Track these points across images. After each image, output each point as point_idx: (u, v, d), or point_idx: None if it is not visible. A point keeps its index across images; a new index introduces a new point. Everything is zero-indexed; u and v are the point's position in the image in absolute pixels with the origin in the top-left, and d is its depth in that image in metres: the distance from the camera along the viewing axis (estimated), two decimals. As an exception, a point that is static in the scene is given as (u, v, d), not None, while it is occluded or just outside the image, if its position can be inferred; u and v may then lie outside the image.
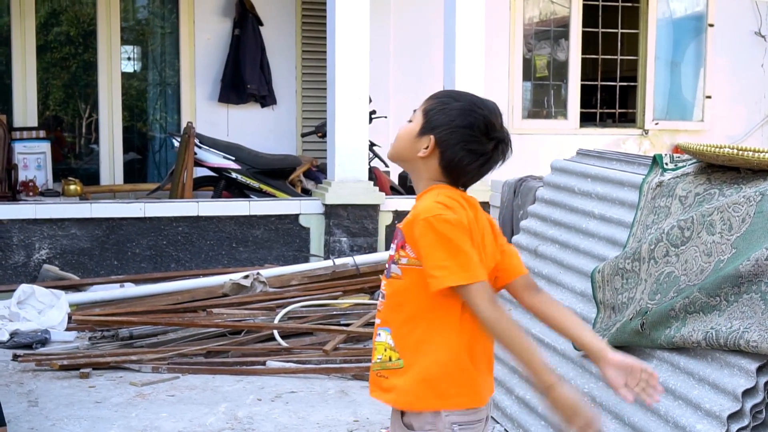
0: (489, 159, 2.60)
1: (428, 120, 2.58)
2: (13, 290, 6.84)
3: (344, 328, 6.32)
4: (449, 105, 2.58)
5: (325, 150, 9.30)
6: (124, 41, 10.51)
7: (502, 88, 10.88)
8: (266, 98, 10.53)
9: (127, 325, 6.27)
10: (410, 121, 2.64)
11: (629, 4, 11.65)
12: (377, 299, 7.11)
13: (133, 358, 5.76)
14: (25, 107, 9.90)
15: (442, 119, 2.57)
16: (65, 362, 5.67)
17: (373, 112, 8.80)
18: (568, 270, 4.81)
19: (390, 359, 2.55)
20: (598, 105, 11.85)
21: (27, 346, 6.19)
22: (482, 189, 8.19)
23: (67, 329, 6.48)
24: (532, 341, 2.59)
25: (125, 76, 10.54)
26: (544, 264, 5.06)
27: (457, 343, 2.52)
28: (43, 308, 6.67)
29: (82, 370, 5.59)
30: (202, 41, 10.42)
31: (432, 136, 2.56)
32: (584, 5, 11.42)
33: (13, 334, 6.28)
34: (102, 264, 7.66)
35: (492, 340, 2.56)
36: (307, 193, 9.26)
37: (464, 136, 2.56)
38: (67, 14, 10.71)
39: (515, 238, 5.60)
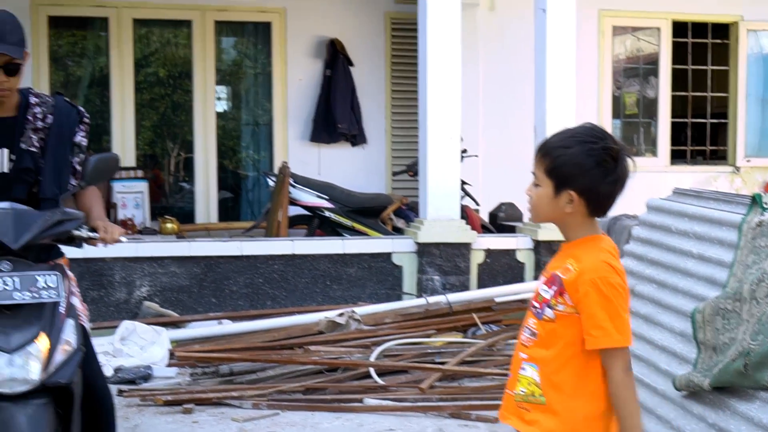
0: (623, 177, 2.67)
1: (557, 177, 2.64)
2: (116, 327, 7.03)
3: (440, 366, 6.37)
4: (566, 154, 2.63)
5: (415, 188, 9.40)
6: (218, 82, 10.77)
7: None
8: (356, 137, 10.69)
9: (227, 361, 6.40)
10: (536, 184, 2.70)
11: (719, 41, 11.59)
12: (469, 336, 7.17)
13: (234, 394, 5.88)
14: (123, 147, 10.18)
15: (571, 171, 2.63)
16: (169, 398, 5.81)
17: (464, 151, 8.88)
18: (667, 309, 4.80)
19: (533, 394, 2.69)
20: (689, 142, 11.77)
21: (131, 381, 6.36)
22: (574, 227, 8.21)
23: (169, 365, 6.64)
24: (640, 415, 2.70)
25: (219, 115, 10.78)
26: (642, 304, 5.06)
27: (600, 393, 2.63)
28: (145, 344, 6.85)
29: (185, 406, 5.72)
30: (295, 82, 10.63)
31: (571, 191, 2.63)
32: (674, 42, 11.39)
33: (117, 370, 6.46)
34: (200, 301, 7.83)
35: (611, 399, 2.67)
36: (397, 231, 9.36)
37: (599, 174, 2.63)
38: (163, 56, 11.02)
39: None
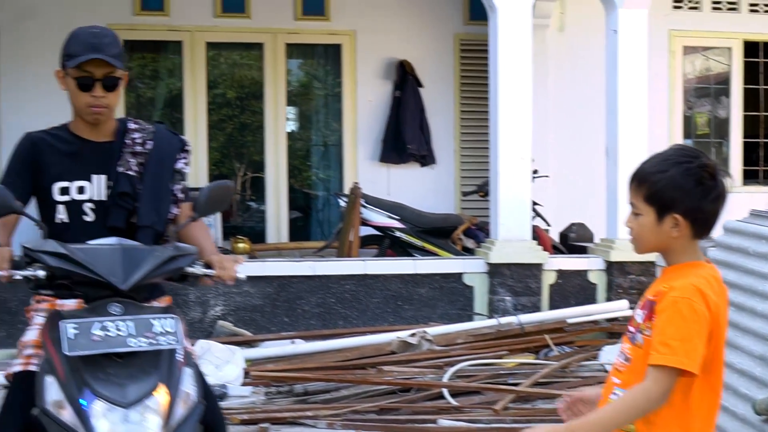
0: (724, 193, 2.63)
1: (659, 203, 2.60)
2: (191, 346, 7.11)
3: (513, 387, 6.37)
4: (665, 178, 2.59)
5: (483, 208, 9.42)
6: (289, 103, 10.89)
7: (662, 146, 10.76)
8: (426, 157, 10.73)
9: (301, 381, 6.46)
10: (636, 214, 2.65)
11: (792, 60, 11.46)
12: (541, 358, 7.15)
13: (309, 414, 5.93)
14: (196, 167, 10.32)
15: (672, 194, 2.58)
16: (245, 417, 5.87)
17: (535, 172, 8.88)
18: (745, 333, 4.76)
19: None
20: (761, 162, 11.64)
21: (206, 399, 6.43)
22: (647, 248, 8.16)
23: (244, 384, 6.71)
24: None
25: (289, 136, 10.89)
26: (719, 326, 5.02)
27: (688, 421, 2.58)
28: (219, 363, 6.93)
29: (260, 425, 5.79)
30: (364, 103, 10.71)
31: (675, 215, 2.59)
32: (745, 62, 11.29)
33: (193, 388, 6.54)
34: (273, 320, 7.91)
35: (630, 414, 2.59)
36: (467, 251, 9.37)
37: (701, 193, 2.59)
38: (234, 77, 11.17)
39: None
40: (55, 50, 10.64)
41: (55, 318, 3.11)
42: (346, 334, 7.76)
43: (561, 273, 8.38)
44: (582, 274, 8.43)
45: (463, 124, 10.87)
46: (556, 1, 10.44)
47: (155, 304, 3.44)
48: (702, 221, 2.61)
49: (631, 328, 2.67)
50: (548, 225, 9.51)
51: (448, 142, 10.88)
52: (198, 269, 3.37)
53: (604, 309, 8.16)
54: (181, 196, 3.68)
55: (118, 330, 3.02)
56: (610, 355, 7.22)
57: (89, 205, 3.51)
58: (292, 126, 11.14)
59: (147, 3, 10.18)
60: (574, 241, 9.59)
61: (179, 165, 3.69)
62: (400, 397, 6.35)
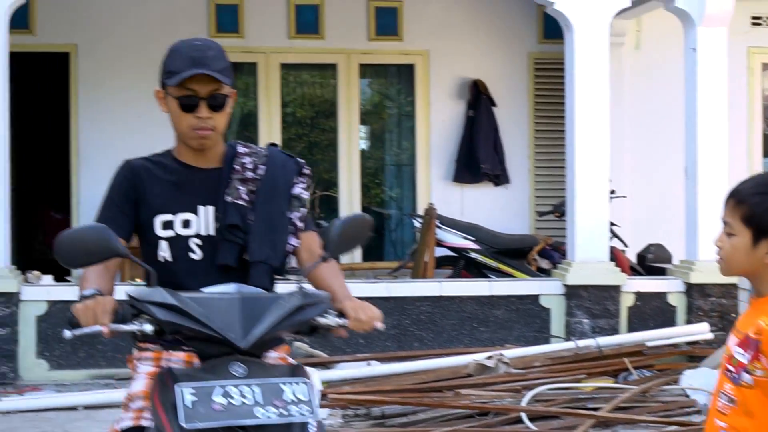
0: None
1: (758, 225, 2.51)
2: (268, 367, 7.11)
3: (593, 412, 6.27)
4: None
5: (558, 228, 9.32)
6: (362, 122, 10.90)
7: (742, 165, 10.62)
8: (499, 177, 10.66)
9: (378, 404, 6.42)
10: (730, 234, 2.57)
11: None
12: (620, 382, 7.04)
13: (387, 437, 5.89)
14: (270, 188, 10.35)
15: (762, 210, 2.51)
16: (322, 439, 5.84)
17: (612, 192, 8.77)
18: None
19: None
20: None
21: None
22: (729, 270, 8.00)
23: (321, 406, 6.69)
24: None
25: (362, 155, 10.90)
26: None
27: None
28: (296, 385, 6.91)
29: (338, 448, 5.76)
30: (437, 122, 10.68)
31: None
32: (827, 78, 11.08)
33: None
34: (349, 342, 7.88)
35: None
36: (542, 271, 9.28)
37: None
38: (307, 97, 11.22)
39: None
40: (130, 70, 10.82)
41: (166, 378, 2.68)
42: (422, 356, 7.71)
43: (639, 295, 8.25)
44: (661, 296, 8.30)
45: (537, 143, 10.78)
46: (632, 19, 10.32)
47: (272, 354, 2.99)
48: None
49: (730, 367, 2.54)
50: (625, 246, 9.38)
51: (522, 161, 10.80)
52: (331, 319, 2.84)
53: (684, 332, 8.01)
54: (300, 225, 3.19)
55: (243, 397, 2.58)
56: (691, 379, 7.09)
57: (195, 240, 3.09)
58: (365, 146, 11.15)
59: (222, 25, 10.27)
60: (651, 262, 9.45)
61: (297, 190, 3.21)
62: (478, 421, 6.28)
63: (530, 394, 6.60)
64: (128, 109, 10.03)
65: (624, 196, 9.59)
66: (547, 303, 8.14)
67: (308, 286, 2.88)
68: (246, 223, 3.10)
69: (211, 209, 3.11)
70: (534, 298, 8.16)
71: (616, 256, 8.76)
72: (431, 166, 10.72)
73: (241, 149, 3.21)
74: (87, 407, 6.78)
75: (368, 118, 11.14)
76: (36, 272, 7.90)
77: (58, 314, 7.58)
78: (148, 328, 2.71)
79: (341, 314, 2.88)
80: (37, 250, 12.16)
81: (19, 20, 9.06)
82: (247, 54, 10.37)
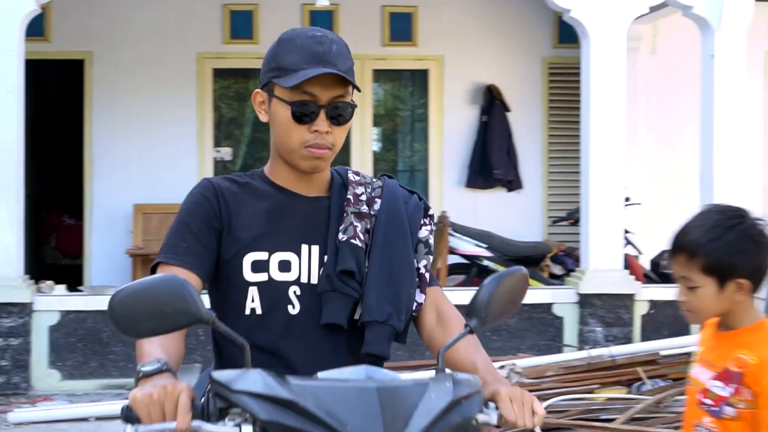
0: None
1: (720, 271, 2.50)
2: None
3: (606, 424, 6.23)
4: (722, 244, 2.49)
5: (571, 233, 9.27)
6: (375, 124, 10.87)
7: (758, 169, 10.56)
8: (513, 183, 10.63)
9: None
10: (691, 287, 2.53)
11: None
12: (634, 392, 6.99)
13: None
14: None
15: (734, 259, 2.49)
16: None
17: (627, 199, 8.72)
18: None
19: None
20: None
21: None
22: (744, 279, 7.96)
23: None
24: None
25: (375, 157, 10.87)
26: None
27: None
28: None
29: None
30: (451, 127, 10.65)
31: (739, 280, 2.51)
32: None
33: None
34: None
35: None
36: (554, 277, 9.23)
37: (760, 250, 2.52)
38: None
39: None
40: (145, 76, 10.86)
41: None
42: (433, 366, 7.65)
43: (653, 303, 8.21)
44: (675, 304, 8.20)
45: (551, 149, 10.74)
46: (648, 24, 10.26)
47: None
48: (762, 278, 2.53)
49: (707, 400, 2.54)
50: (640, 253, 9.33)
51: (536, 167, 10.76)
52: (491, 415, 2.10)
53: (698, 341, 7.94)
54: (425, 274, 2.49)
55: None
56: (706, 389, 7.03)
57: (295, 289, 2.36)
58: (378, 151, 11.12)
59: (236, 31, 10.26)
60: (666, 269, 9.38)
61: (423, 233, 2.52)
62: (491, 432, 6.24)
63: (543, 405, 6.55)
64: (142, 116, 10.04)
65: (639, 203, 9.54)
66: (560, 311, 8.10)
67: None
68: (362, 271, 2.39)
69: (316, 250, 2.40)
70: (547, 307, 8.12)
71: (630, 263, 8.70)
72: (444, 171, 10.69)
73: (352, 176, 2.55)
74: (99, 418, 6.78)
75: (381, 121, 11.10)
76: (49, 282, 7.91)
77: (71, 324, 7.60)
78: (247, 430, 1.87)
79: (490, 399, 2.16)
80: (50, 255, 12.21)
81: (35, 28, 9.06)
82: (262, 60, 10.34)
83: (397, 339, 2.42)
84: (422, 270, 2.47)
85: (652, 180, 10.42)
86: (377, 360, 2.35)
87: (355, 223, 2.42)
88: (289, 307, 2.36)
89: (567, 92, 10.27)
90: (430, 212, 2.58)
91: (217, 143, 10.37)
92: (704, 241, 2.51)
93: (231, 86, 10.65)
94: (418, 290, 2.46)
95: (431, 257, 2.51)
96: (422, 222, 2.53)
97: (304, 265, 2.38)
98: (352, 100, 2.37)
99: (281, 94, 2.35)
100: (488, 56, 10.61)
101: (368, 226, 2.45)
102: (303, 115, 2.33)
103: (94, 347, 7.59)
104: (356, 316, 2.37)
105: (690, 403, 2.63)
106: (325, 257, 2.39)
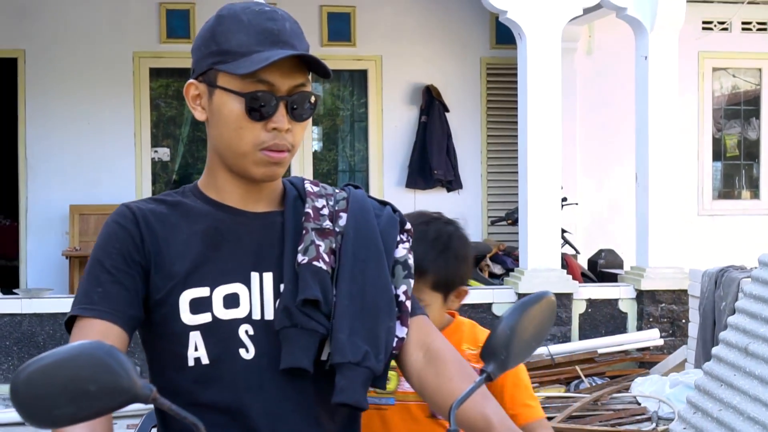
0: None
1: (448, 284, 2.50)
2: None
3: (545, 422, 6.28)
4: (447, 255, 2.50)
5: (510, 233, 9.32)
6: (315, 123, 10.85)
7: (692, 168, 10.72)
8: (452, 183, 10.67)
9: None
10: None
11: (824, 81, 11.34)
12: (572, 391, 7.06)
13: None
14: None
15: (459, 271, 2.53)
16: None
17: (564, 199, 8.80)
18: (784, 373, 4.66)
19: None
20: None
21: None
22: (679, 277, 8.08)
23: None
24: None
25: (315, 156, 10.85)
26: (756, 364, 4.90)
27: None
28: None
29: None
30: (390, 128, 10.67)
31: (461, 288, 2.53)
32: (775, 82, 11.19)
33: None
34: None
35: None
36: (493, 276, 9.28)
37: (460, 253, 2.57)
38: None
39: (723, 334, 5.44)
40: (79, 75, 10.76)
41: None
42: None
43: (591, 302, 8.29)
44: (612, 303, 8.34)
45: (490, 149, 10.81)
46: (584, 25, 10.36)
47: None
48: (466, 283, 2.60)
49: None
50: (577, 252, 9.42)
51: (475, 166, 10.81)
52: None
53: (635, 339, 8.06)
54: (407, 303, 1.98)
55: None
56: (642, 386, 7.13)
57: (247, 328, 1.87)
58: (318, 151, 11.10)
59: (174, 31, 10.16)
60: (603, 267, 9.50)
61: (400, 252, 2.02)
62: None
63: (482, 404, 6.59)
64: (78, 116, 9.92)
65: (576, 203, 9.64)
66: (500, 311, 8.13)
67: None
68: (329, 301, 1.89)
69: (269, 277, 1.90)
70: (487, 307, 8.15)
71: (567, 263, 8.78)
72: (384, 171, 10.71)
73: (310, 187, 2.04)
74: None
75: (321, 120, 11.08)
76: (-19, 284, 7.79)
77: (6, 327, 7.48)
78: None
79: None
80: (-15, 257, 12.02)
81: (-35, 26, 8.95)
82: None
83: (374, 383, 1.90)
84: (402, 297, 1.97)
85: (589, 180, 10.52)
86: (352, 411, 1.92)
87: (318, 242, 1.92)
88: (242, 351, 1.85)
89: (505, 92, 10.33)
90: (407, 226, 2.08)
91: (155, 143, 10.28)
92: (431, 259, 2.44)
93: (169, 85, 10.55)
94: (398, 322, 1.95)
95: (411, 281, 2.00)
96: (398, 238, 2.04)
97: (256, 297, 1.88)
98: (313, 90, 1.91)
99: (229, 83, 1.85)
100: (427, 57, 10.64)
101: (333, 245, 1.95)
102: (258, 109, 1.84)
103: (30, 351, 7.48)
104: (323, 357, 1.88)
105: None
106: (282, 286, 1.88)
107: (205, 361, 1.84)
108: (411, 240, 2.07)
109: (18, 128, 9.99)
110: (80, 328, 1.81)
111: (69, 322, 1.85)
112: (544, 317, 1.79)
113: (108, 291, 1.82)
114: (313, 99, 1.91)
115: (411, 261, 2.02)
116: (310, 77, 1.91)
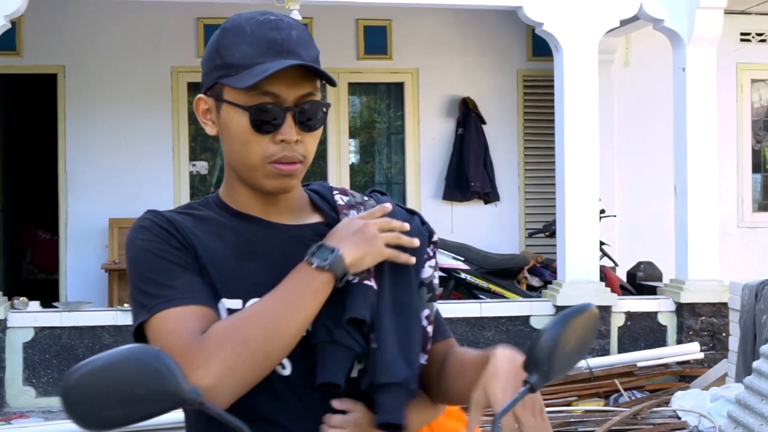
0: None
1: None
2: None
3: (584, 437, 6.24)
4: None
5: (548, 245, 9.28)
6: (352, 135, 10.86)
7: (731, 180, 10.63)
8: (489, 195, 10.64)
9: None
10: None
11: None
12: (611, 404, 7.01)
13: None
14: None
15: None
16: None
17: (602, 211, 8.76)
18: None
19: None
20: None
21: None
22: (719, 290, 8.01)
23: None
24: None
25: (352, 169, 10.86)
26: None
27: None
28: None
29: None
30: (427, 140, 10.66)
31: None
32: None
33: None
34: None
35: None
36: (531, 289, 9.25)
37: None
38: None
39: (763, 348, 5.37)
40: (117, 90, 10.82)
41: None
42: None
43: (630, 315, 8.24)
44: (651, 315, 8.28)
45: (527, 161, 10.78)
46: (621, 37, 10.32)
47: None
48: None
49: None
50: (616, 265, 9.37)
51: (512, 178, 10.78)
52: None
53: (675, 352, 7.99)
54: (429, 329, 1.91)
55: None
56: (682, 400, 7.06)
57: None
58: (355, 164, 11.12)
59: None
60: (642, 280, 9.44)
61: (426, 272, 1.93)
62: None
63: (520, 418, 6.55)
64: (115, 130, 10.00)
65: (614, 215, 9.59)
66: (538, 324, 8.10)
67: None
68: (370, 319, 1.82)
69: None
70: (525, 320, 8.13)
71: (606, 275, 8.74)
72: (421, 183, 10.70)
73: (339, 198, 1.98)
74: (74, 435, 6.72)
75: (358, 133, 11.09)
76: (23, 298, 7.85)
77: (45, 340, 7.55)
78: None
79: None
80: (26, 270, 12.14)
81: (7, 42, 9.05)
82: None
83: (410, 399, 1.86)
84: (424, 322, 1.88)
85: (627, 192, 10.46)
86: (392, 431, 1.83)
87: None
88: (279, 368, 1.79)
89: (542, 104, 10.31)
90: (435, 238, 1.99)
91: (193, 157, 10.35)
92: None
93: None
94: (420, 347, 1.88)
95: (435, 305, 1.93)
96: (426, 254, 1.93)
97: None
98: (323, 98, 1.84)
99: (233, 97, 1.81)
100: (463, 69, 10.64)
101: None
102: (265, 122, 1.80)
103: (70, 363, 7.52)
104: (353, 374, 1.83)
105: None
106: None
107: None
108: (436, 254, 1.98)
109: (58, 143, 10.09)
110: (170, 320, 1.73)
111: (138, 332, 1.79)
112: (587, 329, 1.76)
113: (190, 281, 1.77)
114: (322, 109, 1.83)
115: (436, 281, 1.95)
116: (318, 85, 1.84)
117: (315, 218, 1.94)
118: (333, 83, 1.81)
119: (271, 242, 1.86)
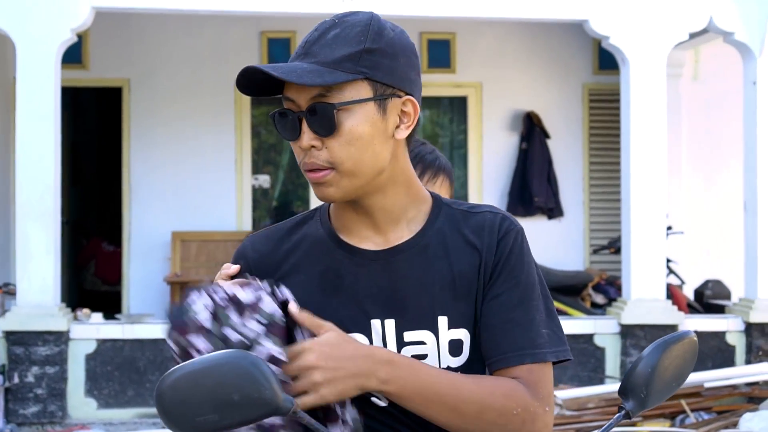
0: None
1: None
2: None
3: (649, 459, 6.10)
4: None
5: (613, 261, 9.13)
6: (413, 154, 10.81)
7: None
8: (553, 210, 10.51)
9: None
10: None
11: None
12: (678, 426, 6.86)
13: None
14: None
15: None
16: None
17: (669, 228, 8.60)
18: None
19: None
20: None
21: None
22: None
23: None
24: None
25: (414, 188, 10.80)
26: None
27: None
28: None
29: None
30: (490, 155, 10.57)
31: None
32: None
33: None
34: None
35: None
36: (596, 306, 9.11)
37: None
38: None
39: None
40: (182, 103, 10.93)
41: None
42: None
43: (697, 334, 7.97)
44: (719, 335, 8.09)
45: (592, 176, 10.63)
46: (690, 50, 10.15)
47: None
48: None
49: None
50: (683, 282, 9.19)
51: (577, 194, 10.64)
52: None
53: (743, 372, 7.79)
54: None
55: None
56: (751, 422, 6.88)
57: None
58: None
59: (274, 59, 10.22)
60: (709, 298, 9.25)
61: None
62: (531, 466, 6.13)
63: (584, 438, 6.44)
64: (180, 143, 10.05)
65: (681, 232, 9.40)
66: (602, 342, 7.97)
67: None
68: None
69: (391, 325, 1.75)
70: (588, 338, 7.99)
71: (672, 293, 8.57)
72: (484, 198, 10.60)
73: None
74: (134, 447, 6.75)
75: (420, 148, 11.03)
76: (86, 310, 7.90)
77: (108, 352, 7.58)
78: None
79: None
80: (89, 282, 12.24)
81: (73, 55, 9.13)
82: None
83: None
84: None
85: (694, 208, 10.27)
86: None
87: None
88: (376, 399, 1.72)
89: (608, 119, 10.17)
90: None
91: (256, 170, 10.36)
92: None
93: (270, 113, 10.62)
94: None
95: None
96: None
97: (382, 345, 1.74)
98: (350, 99, 1.68)
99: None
100: (527, 83, 10.53)
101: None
102: (283, 128, 1.75)
103: (131, 376, 7.56)
104: None
105: None
106: (405, 334, 1.74)
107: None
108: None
109: (122, 156, 10.17)
110: None
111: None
112: (686, 357, 1.76)
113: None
114: (331, 110, 1.68)
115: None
116: (345, 86, 1.70)
117: (406, 234, 1.79)
118: (343, 79, 1.67)
119: (359, 272, 1.77)
